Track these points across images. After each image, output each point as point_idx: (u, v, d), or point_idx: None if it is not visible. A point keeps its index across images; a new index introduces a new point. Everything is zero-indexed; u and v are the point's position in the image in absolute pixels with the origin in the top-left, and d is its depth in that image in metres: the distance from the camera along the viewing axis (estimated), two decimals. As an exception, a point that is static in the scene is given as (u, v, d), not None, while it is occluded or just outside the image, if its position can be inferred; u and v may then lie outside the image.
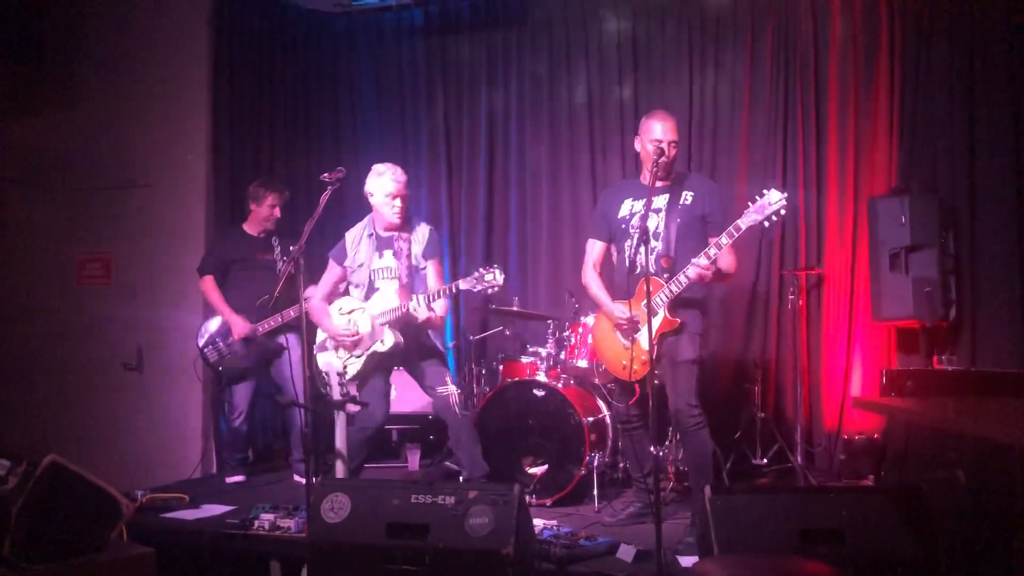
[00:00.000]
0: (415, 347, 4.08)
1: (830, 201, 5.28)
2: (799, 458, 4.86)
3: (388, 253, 4.11)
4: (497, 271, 3.78)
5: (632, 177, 4.46)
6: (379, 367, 4.10)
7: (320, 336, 4.26)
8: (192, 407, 5.25)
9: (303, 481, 4.36)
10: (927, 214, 4.75)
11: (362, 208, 4.29)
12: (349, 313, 4.15)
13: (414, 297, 3.90)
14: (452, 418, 4.03)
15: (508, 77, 6.06)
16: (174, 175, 5.41)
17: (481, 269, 3.81)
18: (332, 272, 4.23)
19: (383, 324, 3.99)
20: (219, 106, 5.45)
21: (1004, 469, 2.25)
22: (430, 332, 4.12)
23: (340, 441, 3.87)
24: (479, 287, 3.80)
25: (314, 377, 4.02)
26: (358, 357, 4.07)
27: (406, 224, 4.13)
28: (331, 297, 4.26)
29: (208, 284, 4.84)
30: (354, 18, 6.32)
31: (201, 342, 4.84)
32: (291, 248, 4.03)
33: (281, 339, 4.69)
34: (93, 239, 5.58)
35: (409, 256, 4.08)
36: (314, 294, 4.20)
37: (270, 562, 3.50)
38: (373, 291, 4.09)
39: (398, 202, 4.03)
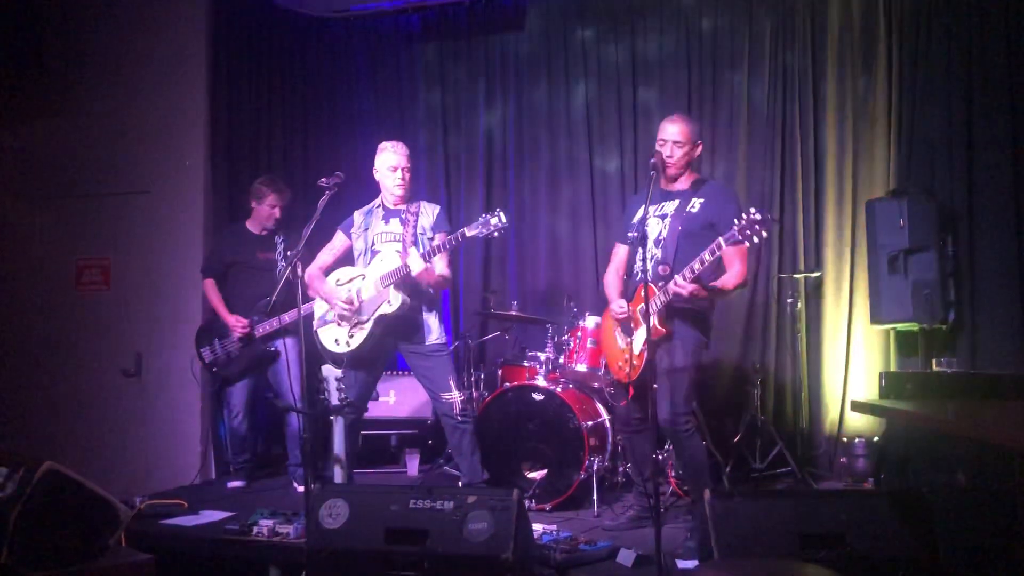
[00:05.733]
0: (418, 344, 4.05)
1: (828, 204, 5.28)
2: (799, 461, 4.85)
3: (395, 220, 4.13)
4: (501, 214, 3.71)
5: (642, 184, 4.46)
6: (384, 336, 4.03)
7: (319, 311, 4.22)
8: (190, 413, 5.23)
9: (301, 487, 4.36)
10: (925, 217, 4.75)
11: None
12: (348, 282, 4.11)
13: (411, 251, 3.87)
14: (454, 424, 4.02)
15: (506, 82, 6.06)
16: (173, 181, 5.40)
17: (485, 214, 3.75)
18: (336, 243, 4.24)
19: (387, 286, 3.95)
20: (217, 112, 5.45)
21: (1005, 471, 2.24)
22: (435, 325, 4.06)
23: (339, 447, 3.86)
24: (485, 232, 3.73)
25: (312, 382, 4.00)
26: (364, 323, 4.03)
27: (414, 200, 4.19)
28: (330, 269, 4.23)
29: (209, 286, 4.84)
30: (352, 23, 6.32)
31: (198, 342, 4.84)
32: (289, 252, 4.02)
33: (278, 343, 4.67)
34: (92, 245, 5.57)
35: (415, 226, 4.09)
36: (313, 263, 4.19)
37: (269, 568, 3.49)
38: (373, 255, 4.07)
39: (399, 174, 4.09)
